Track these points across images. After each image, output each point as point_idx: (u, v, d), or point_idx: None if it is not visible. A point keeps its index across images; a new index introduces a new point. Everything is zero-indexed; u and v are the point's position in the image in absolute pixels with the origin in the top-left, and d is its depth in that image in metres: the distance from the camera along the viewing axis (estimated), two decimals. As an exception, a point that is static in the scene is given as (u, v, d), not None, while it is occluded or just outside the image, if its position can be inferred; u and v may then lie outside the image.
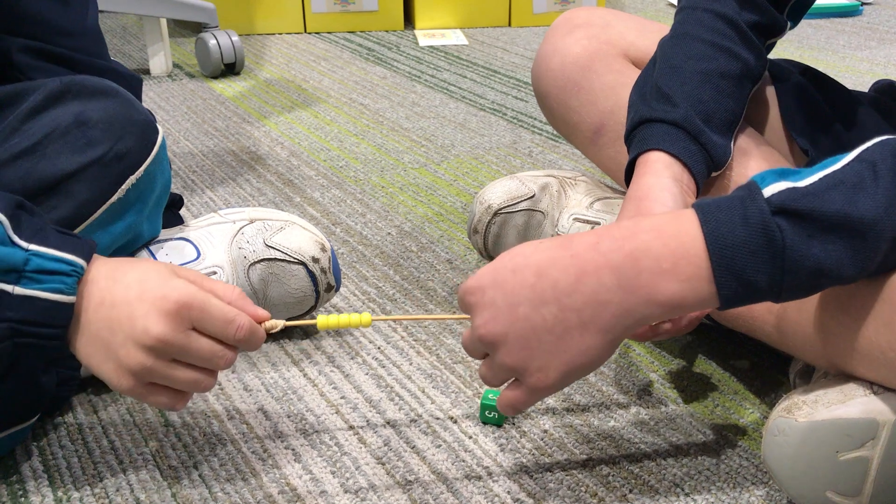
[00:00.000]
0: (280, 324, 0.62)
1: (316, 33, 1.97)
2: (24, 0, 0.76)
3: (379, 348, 0.83)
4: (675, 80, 0.74)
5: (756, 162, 0.77)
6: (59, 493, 0.65)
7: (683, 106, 0.72)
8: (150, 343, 0.56)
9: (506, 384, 0.59)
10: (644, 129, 0.74)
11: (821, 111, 0.82)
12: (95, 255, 0.60)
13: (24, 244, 0.57)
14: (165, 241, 0.79)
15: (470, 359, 0.80)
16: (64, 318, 0.57)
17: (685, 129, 0.72)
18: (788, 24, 0.79)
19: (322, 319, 0.63)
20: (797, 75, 0.84)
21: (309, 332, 0.85)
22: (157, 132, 0.73)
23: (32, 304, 0.56)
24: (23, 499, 0.64)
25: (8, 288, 0.55)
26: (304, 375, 0.79)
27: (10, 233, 0.56)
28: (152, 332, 0.56)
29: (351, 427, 0.72)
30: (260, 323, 0.61)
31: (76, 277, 0.57)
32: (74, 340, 0.58)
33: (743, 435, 0.70)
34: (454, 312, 0.88)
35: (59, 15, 0.79)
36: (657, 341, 0.83)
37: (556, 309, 0.54)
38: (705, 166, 0.73)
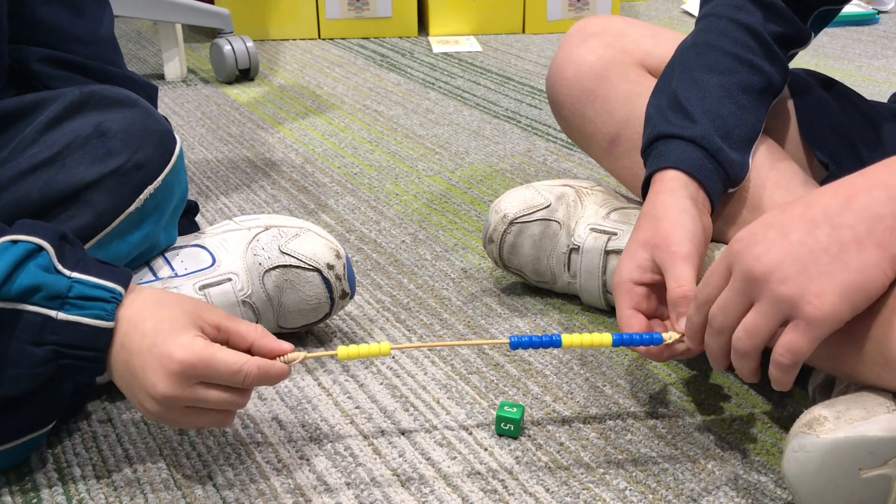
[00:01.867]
0: (300, 356, 0.63)
1: (330, 39, 1.97)
2: (41, 10, 0.77)
3: (394, 357, 0.82)
4: (695, 93, 0.74)
5: (776, 176, 0.76)
6: (74, 501, 0.65)
7: (702, 122, 0.72)
8: (159, 398, 0.58)
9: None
10: (661, 146, 0.73)
11: (842, 125, 0.81)
12: (131, 286, 0.62)
13: (67, 272, 0.59)
14: (181, 248, 0.79)
15: (485, 369, 0.80)
16: (103, 343, 0.59)
17: (703, 147, 0.71)
18: (812, 34, 0.78)
19: (343, 350, 0.64)
20: (818, 88, 0.83)
21: (323, 341, 0.85)
22: (174, 142, 0.73)
23: (75, 328, 0.58)
24: (37, 507, 0.64)
25: (52, 313, 0.58)
26: (319, 384, 0.78)
27: (55, 261, 0.59)
28: (159, 389, 0.58)
29: (366, 437, 0.72)
30: (281, 356, 0.62)
31: (115, 304, 0.59)
32: (108, 366, 0.60)
33: (761, 449, 0.70)
34: (469, 324, 0.88)
35: (75, 24, 0.79)
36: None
37: (828, 229, 0.54)
38: (721, 184, 0.73)
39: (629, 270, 0.69)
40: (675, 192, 0.70)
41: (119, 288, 0.60)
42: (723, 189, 0.73)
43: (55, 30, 0.78)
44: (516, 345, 0.65)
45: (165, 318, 0.59)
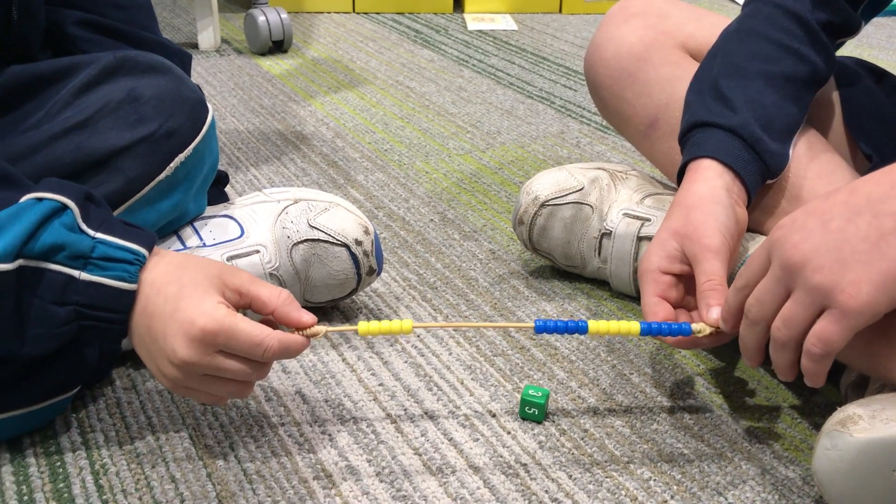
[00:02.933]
0: (321, 330, 0.62)
1: (364, 13, 1.96)
2: None
3: (418, 336, 0.82)
4: (737, 81, 0.72)
5: (817, 167, 0.74)
6: (97, 467, 0.65)
7: (742, 111, 0.70)
8: (178, 363, 0.58)
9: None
10: (699, 134, 0.71)
11: (890, 118, 0.79)
12: (155, 248, 0.61)
13: (91, 232, 0.58)
14: (210, 217, 0.79)
15: (510, 352, 0.79)
16: (125, 305, 0.58)
17: (741, 137, 0.69)
18: (862, 23, 0.76)
19: (363, 326, 0.63)
20: (868, 79, 0.81)
21: (349, 317, 0.84)
22: (207, 110, 0.73)
23: (97, 289, 0.57)
24: (60, 469, 0.64)
25: (75, 273, 0.57)
26: (343, 360, 0.78)
27: (80, 221, 0.58)
28: (179, 354, 0.57)
29: (388, 415, 0.71)
30: (303, 329, 0.61)
31: (138, 266, 0.58)
32: (129, 329, 0.60)
33: (790, 445, 0.68)
34: (495, 306, 0.87)
35: None
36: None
37: (870, 216, 0.52)
38: (760, 175, 0.71)
39: (658, 259, 0.68)
40: (710, 181, 0.68)
41: (142, 250, 0.59)
42: (761, 180, 0.72)
43: None
44: (541, 329, 0.63)
45: (188, 283, 0.58)
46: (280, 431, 0.69)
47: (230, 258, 0.76)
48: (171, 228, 0.76)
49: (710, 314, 0.64)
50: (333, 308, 0.85)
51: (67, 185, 0.60)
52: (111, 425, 0.69)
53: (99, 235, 0.58)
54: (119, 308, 0.58)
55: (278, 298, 0.60)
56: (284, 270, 0.78)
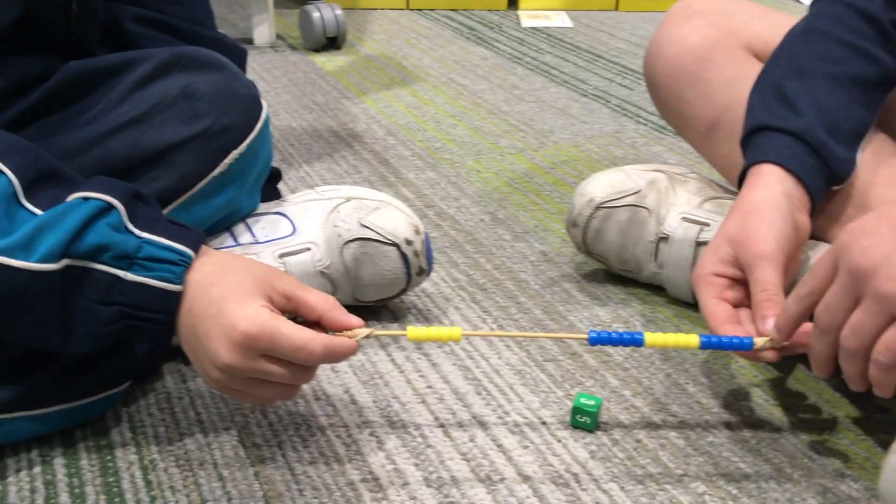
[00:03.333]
0: (369, 332, 0.60)
1: (418, 10, 1.95)
2: None
3: (467, 339, 0.81)
4: (802, 83, 0.69)
5: (886, 172, 0.71)
6: (146, 462, 0.65)
7: (807, 114, 0.67)
8: (221, 367, 0.57)
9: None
10: (760, 137, 0.69)
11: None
12: (202, 249, 0.60)
13: (137, 232, 0.58)
14: (263, 214, 0.79)
15: (562, 357, 0.78)
16: (170, 306, 0.58)
17: (805, 142, 0.67)
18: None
19: (412, 331, 0.61)
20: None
21: (398, 317, 0.84)
22: (261, 107, 0.73)
23: (142, 290, 0.57)
24: (110, 463, 0.65)
25: (120, 273, 0.57)
26: (392, 360, 0.77)
27: (126, 220, 0.58)
28: (222, 358, 0.56)
29: (436, 419, 0.70)
30: (349, 330, 0.60)
31: (183, 267, 0.58)
32: (176, 329, 0.59)
33: (853, 463, 0.66)
34: (546, 310, 0.85)
35: None
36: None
37: None
38: (824, 181, 0.68)
39: (711, 263, 0.66)
40: (769, 187, 0.66)
41: (188, 251, 0.59)
42: (825, 186, 0.69)
43: None
44: (595, 341, 0.61)
45: (233, 285, 0.57)
46: (328, 432, 0.68)
47: (281, 255, 0.76)
48: (223, 225, 0.76)
49: (766, 325, 0.62)
50: (383, 307, 0.85)
51: (115, 183, 0.59)
52: (161, 421, 0.69)
53: (145, 235, 0.58)
54: (164, 309, 0.58)
55: (326, 303, 0.59)
56: (335, 269, 0.78)
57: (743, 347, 0.61)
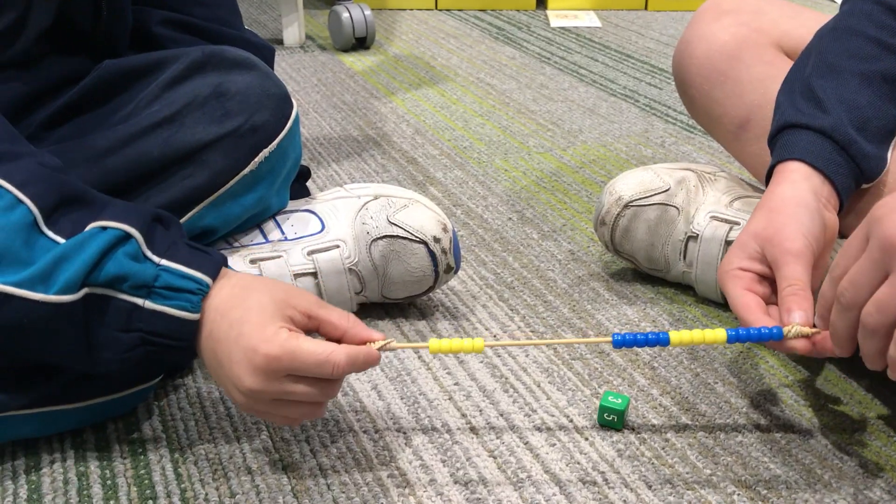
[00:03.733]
0: (391, 343, 0.60)
1: (447, 10, 1.95)
2: None
3: (495, 336, 0.81)
4: (831, 80, 0.68)
5: (921, 169, 0.70)
6: (176, 455, 0.66)
7: (835, 112, 0.66)
8: (244, 391, 0.57)
9: None
10: (787, 135, 0.68)
11: None
12: (223, 272, 0.60)
13: (155, 259, 0.58)
14: (292, 212, 0.80)
15: (589, 356, 0.78)
16: (189, 333, 0.58)
17: (833, 139, 0.66)
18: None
19: (434, 343, 0.61)
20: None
21: (425, 314, 0.84)
22: (291, 106, 0.73)
23: (161, 318, 0.57)
24: (142, 456, 0.66)
25: (139, 302, 0.57)
26: (419, 357, 0.78)
27: (144, 248, 0.58)
28: (245, 383, 0.57)
29: (463, 416, 0.70)
30: (371, 342, 0.60)
31: (201, 296, 0.58)
32: (199, 352, 0.60)
33: (886, 464, 0.65)
34: (574, 308, 0.85)
35: None
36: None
37: None
38: (853, 179, 0.67)
39: (738, 259, 0.65)
40: (796, 184, 0.65)
41: (206, 279, 0.58)
42: (854, 184, 0.68)
43: None
44: (620, 343, 0.61)
45: (253, 308, 0.57)
46: (356, 428, 0.69)
47: (310, 252, 0.77)
48: (254, 222, 0.77)
49: (792, 318, 0.61)
50: (410, 305, 0.85)
51: (134, 209, 0.59)
52: (191, 415, 0.70)
53: (163, 262, 0.58)
54: (183, 336, 0.58)
55: (347, 321, 0.59)
56: (363, 266, 0.79)
57: (773, 337, 0.60)
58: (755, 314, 0.62)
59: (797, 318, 0.60)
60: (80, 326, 0.57)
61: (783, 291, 0.62)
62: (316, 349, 0.56)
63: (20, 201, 0.56)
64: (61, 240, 0.56)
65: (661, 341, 0.60)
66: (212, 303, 0.58)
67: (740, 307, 0.63)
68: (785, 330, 0.60)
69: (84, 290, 0.56)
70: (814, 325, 0.60)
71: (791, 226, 0.63)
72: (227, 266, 0.62)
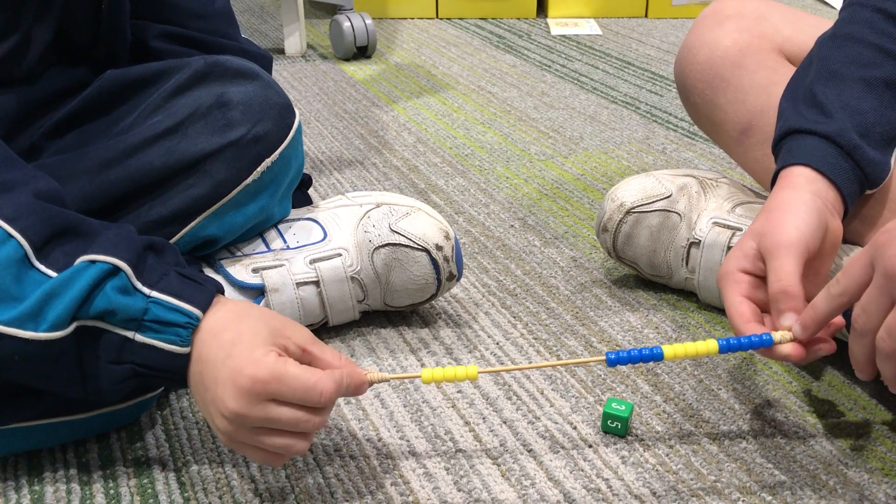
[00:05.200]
0: (384, 377, 0.60)
1: (447, 19, 1.96)
2: None
3: (497, 344, 0.81)
4: (833, 86, 0.68)
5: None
6: (179, 464, 0.66)
7: (839, 117, 0.66)
8: (228, 415, 0.55)
9: None
10: (792, 141, 0.68)
11: None
12: (217, 299, 0.59)
13: (146, 290, 0.57)
14: (294, 221, 0.80)
15: (592, 363, 0.77)
16: (179, 365, 0.58)
17: (837, 144, 0.66)
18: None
19: (427, 373, 0.59)
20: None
21: (428, 322, 0.84)
22: (293, 115, 0.73)
23: (151, 351, 0.57)
24: (145, 466, 0.66)
25: (129, 335, 0.57)
26: (422, 365, 0.78)
27: (133, 280, 0.57)
28: (228, 405, 0.55)
29: (467, 423, 0.70)
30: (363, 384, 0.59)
31: (191, 329, 0.57)
32: (187, 376, 0.59)
33: (891, 470, 0.65)
34: (577, 315, 0.85)
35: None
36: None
37: None
38: (858, 184, 0.67)
39: (736, 259, 0.65)
40: (798, 187, 0.65)
41: (196, 311, 0.57)
42: (859, 189, 0.68)
43: (172, 5, 0.80)
44: (614, 362, 0.60)
45: (246, 331, 0.56)
46: (359, 436, 0.69)
47: (313, 261, 0.77)
48: (256, 231, 0.77)
49: (783, 321, 0.60)
50: (413, 313, 0.85)
51: (126, 238, 0.59)
52: (194, 424, 0.70)
53: (154, 294, 0.57)
54: (173, 367, 0.58)
55: (339, 360, 0.58)
56: (365, 274, 0.79)
57: (763, 344, 0.60)
58: (748, 325, 0.62)
59: (788, 321, 0.60)
60: (72, 359, 0.57)
61: (772, 286, 0.61)
62: (303, 374, 0.55)
63: (10, 236, 0.55)
64: (53, 273, 0.56)
65: (655, 356, 0.60)
66: (204, 326, 0.58)
67: (734, 315, 0.63)
68: (775, 337, 0.60)
69: (75, 324, 0.56)
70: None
71: (788, 220, 0.63)
72: (222, 294, 0.61)
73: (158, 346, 0.57)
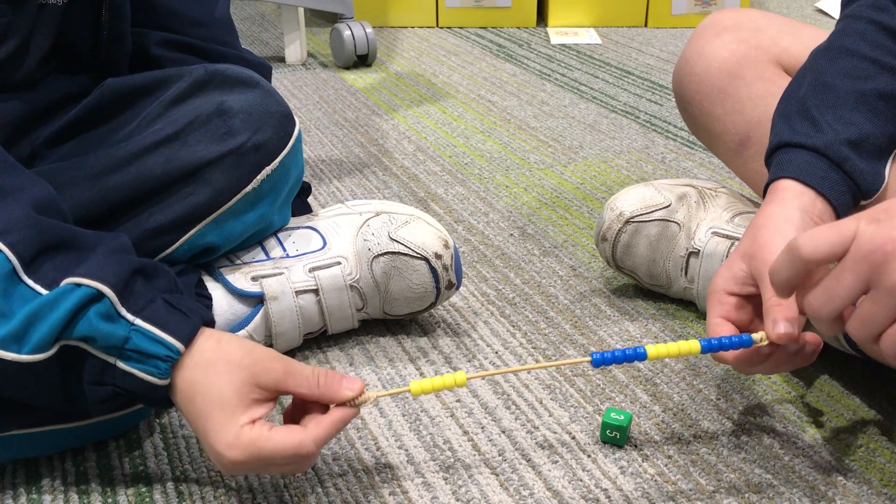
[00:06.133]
0: (371, 397, 0.60)
1: (448, 28, 1.97)
2: None
3: (496, 353, 0.81)
4: (825, 99, 0.68)
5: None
6: (177, 472, 0.66)
7: (829, 131, 0.67)
8: (225, 472, 0.58)
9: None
10: (782, 154, 0.68)
11: None
12: (200, 333, 0.59)
13: (129, 317, 0.57)
14: (294, 229, 0.80)
15: (591, 372, 0.77)
16: (160, 394, 0.58)
17: (826, 157, 0.66)
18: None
19: (416, 385, 0.60)
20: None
21: (427, 331, 0.84)
22: (294, 124, 0.74)
23: (132, 378, 0.57)
24: (143, 474, 0.66)
25: (111, 360, 0.57)
26: (421, 374, 0.78)
27: (118, 306, 0.57)
28: (221, 467, 0.57)
29: (465, 433, 0.70)
30: (346, 400, 0.59)
31: (170, 363, 0.57)
32: (176, 405, 0.60)
33: (889, 480, 0.65)
34: (576, 324, 0.85)
35: (191, 7, 0.81)
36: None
37: None
38: (850, 196, 0.67)
39: (724, 280, 0.65)
40: (784, 202, 0.65)
41: (178, 344, 0.57)
42: (852, 201, 0.68)
43: (172, 13, 0.80)
44: (599, 362, 0.61)
45: (214, 400, 0.56)
46: (357, 445, 0.69)
47: (312, 269, 0.77)
48: (255, 239, 0.77)
49: (777, 328, 0.60)
50: (412, 321, 0.85)
51: (116, 261, 0.58)
52: (192, 432, 0.70)
53: (137, 322, 0.57)
54: (153, 396, 0.58)
55: (316, 387, 0.58)
56: (365, 282, 0.79)
57: (743, 344, 0.60)
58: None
59: (781, 329, 0.60)
60: (55, 378, 0.57)
61: (767, 302, 0.61)
62: (283, 443, 0.56)
63: None
64: (41, 288, 0.56)
65: (640, 356, 0.60)
66: (180, 379, 0.58)
67: (710, 335, 0.63)
68: (755, 337, 0.60)
69: (58, 345, 0.56)
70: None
71: (775, 240, 0.63)
72: (209, 324, 0.60)
73: (138, 375, 0.57)
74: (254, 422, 0.56)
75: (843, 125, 0.67)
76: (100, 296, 0.56)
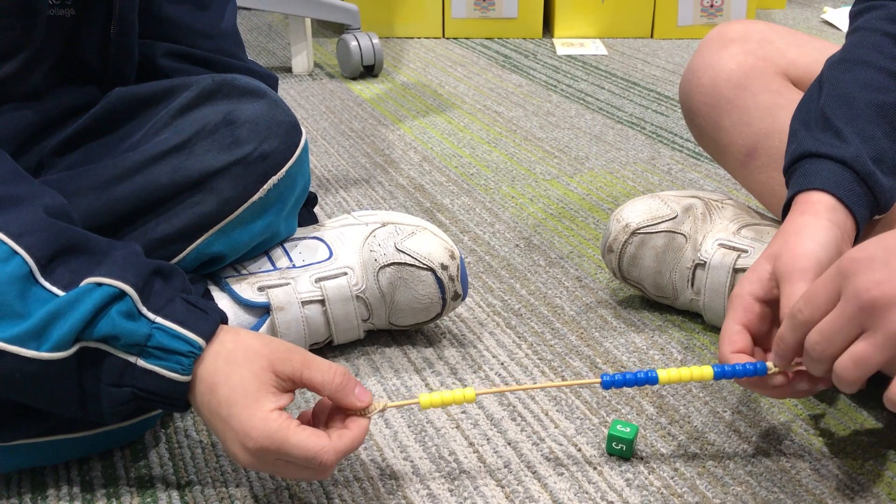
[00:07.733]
0: (381, 405, 0.60)
1: (454, 38, 1.97)
2: (167, 6, 0.80)
3: (502, 364, 0.80)
4: (845, 111, 0.68)
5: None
6: (182, 482, 0.66)
7: (853, 142, 0.66)
8: (242, 463, 0.58)
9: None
10: (807, 165, 0.67)
11: None
12: (219, 329, 0.60)
13: (150, 316, 0.58)
14: (300, 239, 0.80)
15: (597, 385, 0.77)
16: (180, 392, 0.58)
17: (853, 170, 0.65)
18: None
19: (425, 398, 0.61)
20: None
21: (432, 342, 0.84)
22: (300, 134, 0.74)
23: (153, 376, 0.58)
24: (148, 484, 0.66)
25: (132, 359, 0.57)
26: (426, 385, 0.77)
27: (139, 305, 0.58)
28: (240, 459, 0.57)
29: (471, 444, 0.70)
30: (364, 410, 0.60)
31: (193, 358, 0.58)
32: (194, 408, 0.60)
33: (897, 495, 0.64)
34: (582, 336, 0.85)
35: (198, 19, 0.82)
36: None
37: None
38: (869, 211, 0.67)
39: (749, 283, 0.64)
40: (818, 214, 0.64)
41: (200, 340, 0.58)
42: (869, 216, 0.68)
43: (179, 25, 0.81)
44: (609, 384, 0.61)
45: (237, 385, 0.57)
46: (362, 456, 0.69)
47: (318, 280, 0.77)
48: (262, 249, 0.78)
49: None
50: (417, 332, 0.85)
51: (133, 262, 0.59)
52: (198, 442, 0.70)
53: (158, 320, 0.58)
54: (174, 394, 0.58)
55: (332, 383, 0.58)
56: (371, 293, 0.79)
57: (757, 373, 0.60)
58: (734, 354, 0.62)
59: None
60: (73, 380, 0.57)
61: (783, 310, 0.61)
62: (305, 444, 0.56)
63: (15, 252, 0.56)
64: (58, 290, 0.56)
65: (650, 380, 0.60)
66: (199, 371, 0.58)
67: (724, 341, 0.63)
68: (770, 366, 0.60)
69: (78, 345, 0.56)
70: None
71: (805, 245, 0.62)
72: (225, 322, 0.61)
73: (160, 372, 0.57)
74: (280, 410, 0.57)
75: (864, 138, 0.66)
76: (122, 294, 0.57)
